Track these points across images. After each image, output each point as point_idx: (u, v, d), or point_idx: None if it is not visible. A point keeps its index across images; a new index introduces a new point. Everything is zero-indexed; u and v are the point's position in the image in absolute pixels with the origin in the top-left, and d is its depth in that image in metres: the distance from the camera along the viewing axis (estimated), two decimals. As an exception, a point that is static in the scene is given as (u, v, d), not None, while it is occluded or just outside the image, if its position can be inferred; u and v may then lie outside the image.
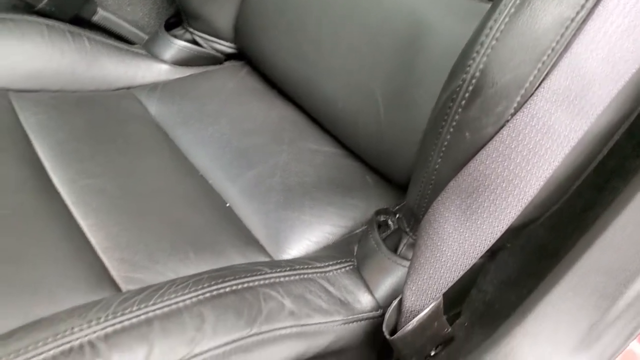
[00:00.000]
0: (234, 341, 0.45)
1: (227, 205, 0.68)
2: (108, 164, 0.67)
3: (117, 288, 0.53)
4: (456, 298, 0.68)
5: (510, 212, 0.47)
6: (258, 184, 0.69)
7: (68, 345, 0.40)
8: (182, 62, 0.85)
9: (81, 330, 0.41)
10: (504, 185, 0.46)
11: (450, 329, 0.62)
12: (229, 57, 0.90)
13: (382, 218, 0.63)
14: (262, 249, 0.63)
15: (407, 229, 0.60)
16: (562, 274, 0.51)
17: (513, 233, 0.58)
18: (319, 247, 0.65)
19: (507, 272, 0.74)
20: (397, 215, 0.62)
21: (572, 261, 0.51)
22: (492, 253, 0.64)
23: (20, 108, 0.70)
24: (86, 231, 0.58)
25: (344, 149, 0.74)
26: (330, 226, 0.66)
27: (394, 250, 0.59)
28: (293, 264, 0.56)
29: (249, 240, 0.64)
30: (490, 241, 0.49)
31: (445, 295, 0.56)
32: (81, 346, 0.41)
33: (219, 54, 0.88)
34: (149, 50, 0.86)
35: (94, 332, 0.42)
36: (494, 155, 0.46)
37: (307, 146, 0.74)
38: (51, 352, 0.40)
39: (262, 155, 0.72)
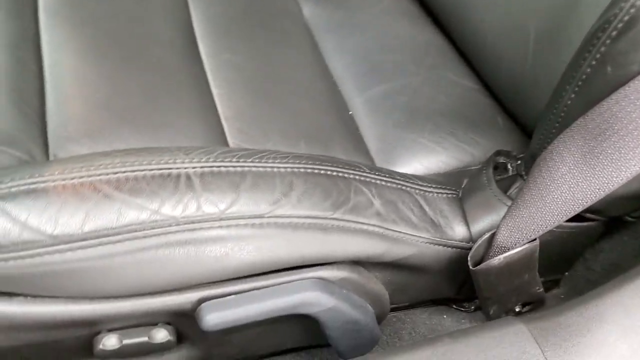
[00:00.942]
0: (314, 217, 0.47)
1: (350, 113, 0.69)
2: (251, 46, 0.70)
3: (227, 151, 0.57)
4: (558, 264, 0.64)
5: (634, 165, 0.43)
6: (385, 99, 0.69)
7: (167, 171, 0.44)
8: (346, -28, 0.86)
9: (182, 162, 0.45)
10: (635, 133, 0.42)
11: (542, 290, 0.59)
12: (393, -23, 0.89)
13: (501, 160, 0.60)
14: (370, 160, 0.63)
15: (523, 172, 0.57)
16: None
17: (634, 202, 0.53)
18: (428, 173, 0.64)
19: (622, 255, 0.68)
20: (518, 161, 0.59)
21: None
22: (607, 225, 0.59)
23: (187, -21, 0.75)
24: (216, 99, 0.62)
25: (482, 85, 0.71)
26: (446, 156, 0.64)
27: (504, 191, 0.56)
28: (394, 173, 0.56)
29: (360, 148, 0.64)
30: (604, 192, 0.45)
31: (545, 257, 0.53)
32: (178, 175, 0.44)
33: (384, -28, 0.87)
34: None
35: (193, 167, 0.45)
36: (632, 97, 0.42)
37: (446, 75, 0.72)
38: (151, 172, 0.43)
39: (396, 72, 0.71)
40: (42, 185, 0.41)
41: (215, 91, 0.63)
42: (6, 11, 0.56)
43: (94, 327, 0.45)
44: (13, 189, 0.41)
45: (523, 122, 0.66)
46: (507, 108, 0.69)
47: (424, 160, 0.64)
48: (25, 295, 0.43)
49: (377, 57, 0.74)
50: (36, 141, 0.48)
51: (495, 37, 0.67)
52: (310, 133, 0.62)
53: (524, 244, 0.50)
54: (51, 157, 0.48)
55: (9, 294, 0.42)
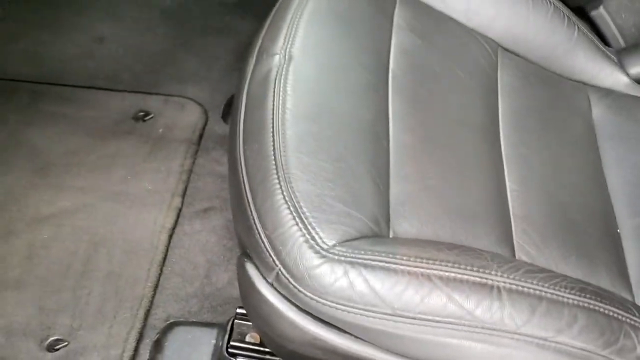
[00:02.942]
0: (587, 350, 0.55)
1: (618, 231, 0.74)
2: (543, 143, 0.78)
3: (511, 250, 0.66)
4: None
5: None
6: (654, 228, 0.73)
7: (485, 281, 0.54)
8: (644, 82, 0.89)
9: (495, 275, 0.55)
10: None
11: None
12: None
13: None
14: (628, 287, 0.69)
15: None
16: None
17: None
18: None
19: None
20: None
21: None
22: None
23: (501, 65, 0.84)
24: (509, 194, 0.71)
25: None
26: None
27: None
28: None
29: (622, 272, 0.70)
30: None
31: None
32: (491, 287, 0.54)
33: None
34: (619, 59, 0.91)
35: (503, 281, 0.55)
36: None
37: None
38: (472, 278, 0.54)
39: (674, 205, 0.75)
40: (394, 266, 0.54)
41: (509, 185, 0.72)
42: (368, 85, 0.69)
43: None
44: (373, 262, 0.54)
45: None
46: None
47: (677, 302, 0.69)
48: (351, 335, 0.57)
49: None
50: (381, 212, 0.60)
51: None
52: (580, 247, 0.69)
53: None
54: (390, 232, 0.60)
55: (341, 330, 0.56)
